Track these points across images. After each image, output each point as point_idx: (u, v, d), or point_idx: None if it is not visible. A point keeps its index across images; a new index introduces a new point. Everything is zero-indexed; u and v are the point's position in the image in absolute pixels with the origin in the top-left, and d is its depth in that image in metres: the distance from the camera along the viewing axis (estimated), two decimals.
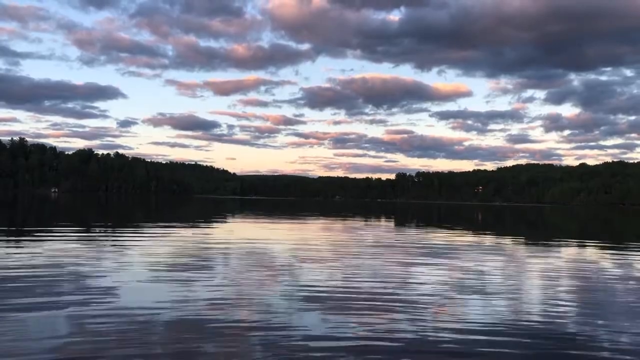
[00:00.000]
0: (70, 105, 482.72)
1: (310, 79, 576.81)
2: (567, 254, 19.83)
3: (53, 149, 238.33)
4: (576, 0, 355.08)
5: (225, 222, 37.02)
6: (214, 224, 33.75)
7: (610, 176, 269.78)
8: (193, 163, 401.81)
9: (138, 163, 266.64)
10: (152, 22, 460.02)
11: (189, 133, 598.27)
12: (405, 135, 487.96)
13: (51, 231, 22.63)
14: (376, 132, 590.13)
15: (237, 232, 26.98)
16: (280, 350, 6.49)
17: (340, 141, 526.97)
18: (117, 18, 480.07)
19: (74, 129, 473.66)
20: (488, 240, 25.86)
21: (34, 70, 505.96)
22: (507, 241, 25.28)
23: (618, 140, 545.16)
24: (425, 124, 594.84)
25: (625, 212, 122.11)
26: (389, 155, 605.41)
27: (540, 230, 38.13)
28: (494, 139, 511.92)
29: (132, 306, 8.51)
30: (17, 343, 6.44)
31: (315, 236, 25.61)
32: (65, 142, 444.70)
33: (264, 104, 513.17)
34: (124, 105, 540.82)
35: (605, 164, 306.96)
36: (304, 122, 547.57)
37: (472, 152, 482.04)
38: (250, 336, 7.09)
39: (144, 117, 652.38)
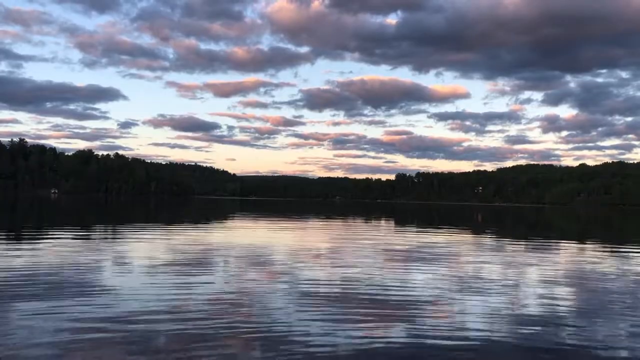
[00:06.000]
0: (71, 106, 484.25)
1: (309, 80, 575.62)
2: (567, 254, 19.83)
3: (53, 150, 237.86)
4: (570, 5, 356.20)
5: (225, 223, 37.02)
6: (214, 225, 33.76)
7: (610, 177, 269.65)
8: (193, 164, 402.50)
9: (138, 164, 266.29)
10: (153, 25, 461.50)
11: (189, 134, 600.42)
12: (404, 136, 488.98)
13: (51, 233, 22.63)
14: (375, 133, 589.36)
15: (237, 233, 26.98)
16: (279, 352, 6.50)
17: (339, 142, 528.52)
18: (119, 22, 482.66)
19: (75, 130, 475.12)
20: (488, 240, 25.86)
21: (36, 73, 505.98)
22: (507, 242, 25.28)
23: (616, 141, 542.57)
24: (423, 125, 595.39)
25: (626, 213, 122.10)
26: (389, 156, 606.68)
27: (540, 231, 38.12)
28: (492, 140, 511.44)
29: (132, 307, 8.52)
30: (18, 345, 6.46)
31: (315, 237, 25.62)
32: (66, 143, 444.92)
33: (264, 106, 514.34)
34: (125, 107, 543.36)
35: (605, 164, 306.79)
36: (303, 124, 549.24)
37: (471, 153, 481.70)
38: (250, 337, 7.10)
39: (145, 119, 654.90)
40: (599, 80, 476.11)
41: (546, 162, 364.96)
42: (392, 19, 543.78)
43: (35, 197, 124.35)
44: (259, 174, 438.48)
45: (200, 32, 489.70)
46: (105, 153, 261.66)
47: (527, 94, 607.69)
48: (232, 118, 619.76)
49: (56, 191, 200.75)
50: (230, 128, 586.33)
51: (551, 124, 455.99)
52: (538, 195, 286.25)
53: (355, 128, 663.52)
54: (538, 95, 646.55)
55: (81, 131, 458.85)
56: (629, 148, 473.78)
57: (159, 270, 12.54)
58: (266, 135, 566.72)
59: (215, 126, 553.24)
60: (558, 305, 9.79)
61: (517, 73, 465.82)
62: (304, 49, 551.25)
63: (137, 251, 16.54)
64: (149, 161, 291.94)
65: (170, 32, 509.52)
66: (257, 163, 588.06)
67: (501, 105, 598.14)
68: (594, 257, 18.68)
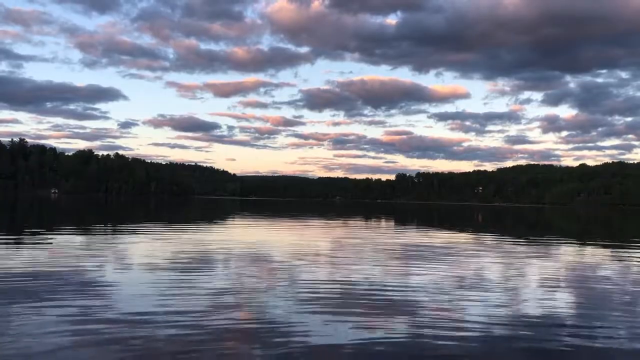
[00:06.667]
0: (71, 106, 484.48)
1: (309, 81, 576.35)
2: (567, 254, 19.83)
3: (53, 150, 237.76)
4: (570, 5, 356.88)
5: (225, 223, 37.03)
6: (214, 225, 33.76)
7: (610, 177, 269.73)
8: (193, 164, 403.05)
9: (138, 164, 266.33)
10: (154, 25, 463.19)
11: (189, 134, 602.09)
12: (404, 136, 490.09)
13: (51, 233, 22.64)
14: (375, 133, 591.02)
15: (237, 233, 26.98)
16: (279, 352, 6.51)
17: (339, 142, 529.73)
18: (119, 22, 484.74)
19: (75, 130, 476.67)
20: (488, 241, 25.86)
21: (36, 73, 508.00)
22: (506, 242, 25.27)
23: (615, 142, 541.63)
24: (423, 125, 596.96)
25: (626, 213, 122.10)
26: (389, 156, 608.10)
27: (540, 231, 38.11)
28: (492, 140, 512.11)
29: (133, 307, 8.52)
30: (18, 345, 6.46)
31: (315, 237, 25.61)
32: (66, 143, 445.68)
33: (264, 106, 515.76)
34: (125, 107, 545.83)
35: (605, 164, 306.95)
36: (303, 124, 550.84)
37: (471, 153, 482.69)
38: (249, 337, 7.10)
39: (145, 119, 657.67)
40: (599, 80, 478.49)
41: (546, 162, 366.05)
42: (392, 19, 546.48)
43: (35, 197, 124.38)
44: (259, 174, 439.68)
45: (200, 32, 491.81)
46: (105, 153, 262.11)
47: (527, 94, 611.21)
48: (232, 118, 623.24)
49: (56, 191, 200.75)
50: (230, 128, 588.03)
51: (551, 124, 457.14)
52: (538, 195, 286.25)
53: (355, 128, 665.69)
54: (538, 96, 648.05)
55: (81, 131, 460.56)
56: (629, 148, 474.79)
57: (159, 270, 12.54)
58: (266, 135, 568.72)
59: (215, 126, 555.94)
60: (558, 304, 9.80)
61: (517, 73, 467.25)
62: (304, 49, 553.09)
63: (137, 251, 16.54)
64: (149, 161, 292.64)
65: (170, 32, 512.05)
66: (257, 163, 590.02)
67: (501, 105, 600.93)
68: (593, 257, 18.69)
